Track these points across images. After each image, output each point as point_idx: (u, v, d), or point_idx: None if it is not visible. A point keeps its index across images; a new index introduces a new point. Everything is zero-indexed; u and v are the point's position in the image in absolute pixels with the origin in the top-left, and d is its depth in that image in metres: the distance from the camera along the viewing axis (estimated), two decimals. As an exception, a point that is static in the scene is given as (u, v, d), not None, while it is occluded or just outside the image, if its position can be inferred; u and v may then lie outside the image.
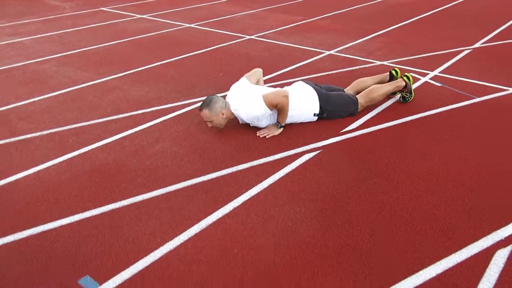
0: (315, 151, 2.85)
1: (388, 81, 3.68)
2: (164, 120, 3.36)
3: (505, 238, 2.00)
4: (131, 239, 2.08)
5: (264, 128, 3.11)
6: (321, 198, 2.35)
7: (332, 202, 2.31)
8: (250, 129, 3.17)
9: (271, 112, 3.02)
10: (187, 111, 3.53)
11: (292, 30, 5.99)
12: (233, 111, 3.04)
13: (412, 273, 1.81)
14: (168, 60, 4.85)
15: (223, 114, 2.99)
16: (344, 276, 1.81)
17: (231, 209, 2.27)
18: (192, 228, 2.13)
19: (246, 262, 1.90)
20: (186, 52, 5.12)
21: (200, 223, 2.17)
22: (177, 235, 2.09)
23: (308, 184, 2.48)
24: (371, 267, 1.85)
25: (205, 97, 3.03)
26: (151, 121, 3.35)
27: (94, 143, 3.03)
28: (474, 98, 3.74)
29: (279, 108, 2.99)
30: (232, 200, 2.34)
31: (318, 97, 3.18)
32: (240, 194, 2.39)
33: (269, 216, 2.20)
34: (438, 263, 1.86)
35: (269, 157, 2.79)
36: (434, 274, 1.80)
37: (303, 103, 3.15)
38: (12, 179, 2.62)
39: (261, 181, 2.51)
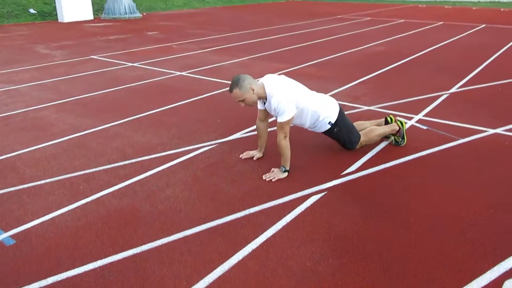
0: (320, 193, 3.01)
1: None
2: (171, 166, 3.48)
3: (510, 268, 2.17)
4: (157, 282, 2.15)
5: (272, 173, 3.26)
6: (333, 238, 2.49)
7: (344, 241, 2.45)
8: (256, 174, 3.32)
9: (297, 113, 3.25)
10: (192, 156, 3.66)
11: (281, 77, 6.28)
12: (268, 92, 3.16)
13: (430, 306, 1.95)
14: (165, 107, 5.01)
15: (253, 90, 3.11)
16: (367, 310, 1.93)
17: (250, 251, 2.38)
18: (215, 271, 2.22)
19: (273, 301, 2.00)
20: (181, 99, 5.30)
21: (222, 265, 2.27)
22: (202, 278, 2.17)
23: (319, 225, 2.62)
24: (391, 302, 1.98)
25: (232, 78, 3.17)
26: (158, 167, 3.46)
27: (106, 189, 3.11)
28: (458, 139, 4.01)
29: (278, 144, 3.20)
30: (249, 242, 2.45)
31: (339, 110, 3.47)
32: (257, 236, 2.50)
33: (287, 257, 2.32)
34: (451, 296, 2.00)
35: (277, 200, 2.93)
36: (450, 306, 1.94)
37: (327, 108, 3.42)
38: (28, 226, 2.66)
39: (274, 223, 2.63)
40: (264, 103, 3.31)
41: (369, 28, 11.94)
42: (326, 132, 3.54)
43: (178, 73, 6.73)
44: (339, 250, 2.38)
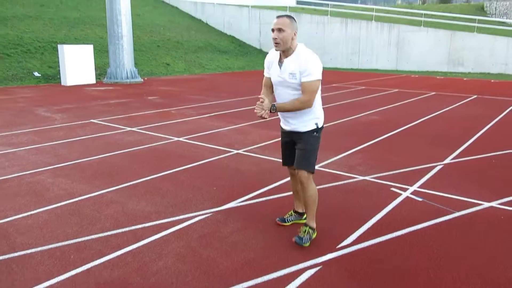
0: (315, 267, 2.96)
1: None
2: (165, 236, 3.44)
3: None
4: None
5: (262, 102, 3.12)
6: (328, 316, 2.42)
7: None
8: (250, 246, 3.28)
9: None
10: (186, 226, 3.63)
11: (277, 145, 6.36)
12: (298, 49, 3.10)
13: None
14: (161, 174, 5.04)
15: (295, 34, 3.06)
16: None
17: (242, 329, 2.31)
18: None
19: None
20: (178, 166, 5.34)
21: None
22: None
23: (314, 302, 2.55)
24: None
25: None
26: (151, 236, 3.43)
27: (97, 259, 3.06)
28: (454, 212, 4.01)
29: (297, 102, 3.11)
30: (242, 319, 2.38)
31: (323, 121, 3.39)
32: (250, 313, 2.43)
33: (281, 336, 2.24)
34: None
35: (271, 274, 2.88)
36: None
37: (321, 111, 3.34)
38: (15, 299, 2.59)
39: (268, 299, 2.57)
40: (280, 65, 3.17)
41: (364, 97, 12.27)
42: (305, 134, 3.26)
43: (176, 138, 6.83)
44: (334, 330, 2.31)
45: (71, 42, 18.20)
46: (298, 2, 35.71)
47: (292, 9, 27.98)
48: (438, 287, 2.74)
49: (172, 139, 6.80)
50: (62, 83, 14.74)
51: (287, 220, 3.65)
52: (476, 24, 21.77)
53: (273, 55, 3.29)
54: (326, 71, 21.41)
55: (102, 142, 6.54)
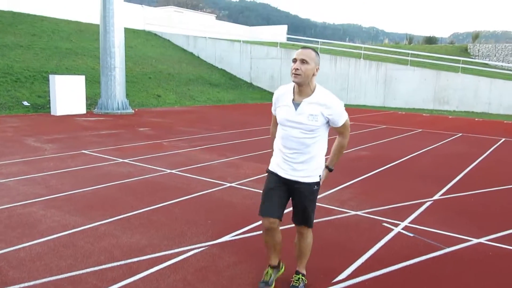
0: (311, 303, 2.97)
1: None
2: (160, 269, 3.43)
3: None
4: None
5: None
6: None
7: None
8: (247, 279, 3.28)
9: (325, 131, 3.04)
10: (182, 259, 3.63)
11: (269, 179, 6.43)
12: (318, 90, 2.92)
13: None
14: (155, 206, 5.04)
15: (317, 70, 2.88)
16: None
17: None
18: None
19: None
20: (171, 198, 5.34)
21: None
22: None
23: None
24: None
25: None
26: (146, 270, 3.42)
27: (92, 293, 3.03)
28: (444, 248, 4.08)
29: (342, 147, 3.14)
30: None
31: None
32: None
33: None
34: None
35: None
36: None
37: (323, 158, 3.12)
38: (8, 333, 2.55)
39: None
40: (295, 105, 2.92)
41: (353, 133, 12.45)
42: (308, 186, 3.05)
43: (168, 170, 6.85)
44: None
45: (62, 72, 18.31)
46: (288, 39, 36.57)
47: (282, 45, 28.59)
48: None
49: (165, 171, 6.82)
50: (52, 113, 14.72)
51: (270, 282, 3.17)
52: (460, 65, 22.47)
53: (282, 92, 3.04)
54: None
55: (94, 174, 6.53)
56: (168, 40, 30.99)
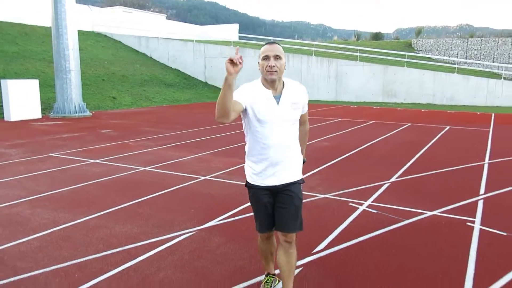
0: (298, 268, 3.42)
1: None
2: (158, 252, 3.77)
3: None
4: None
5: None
6: (317, 305, 2.88)
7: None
8: (238, 255, 3.68)
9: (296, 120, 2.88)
10: (175, 243, 3.98)
11: (241, 171, 6.84)
12: (288, 81, 2.86)
13: None
14: (138, 200, 5.32)
15: (284, 68, 2.78)
16: None
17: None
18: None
19: None
20: (152, 193, 5.64)
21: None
22: None
23: (303, 295, 3.00)
24: None
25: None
26: (145, 253, 3.74)
27: (100, 275, 3.33)
28: (404, 220, 4.65)
29: (306, 135, 3.13)
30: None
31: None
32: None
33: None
34: None
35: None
36: None
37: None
38: (32, 312, 2.82)
39: (264, 296, 2.98)
40: (277, 99, 2.77)
41: (312, 126, 13.09)
42: (295, 185, 2.85)
43: (142, 168, 7.10)
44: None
45: (11, 77, 17.81)
46: (240, 38, 37.02)
47: (236, 43, 29.01)
48: (397, 277, 3.29)
49: (138, 168, 7.07)
50: (6, 119, 14.39)
51: None
52: (406, 60, 23.78)
53: (252, 88, 2.82)
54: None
55: (69, 174, 6.68)
56: (119, 42, 30.60)
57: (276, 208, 2.85)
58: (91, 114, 16.06)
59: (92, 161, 7.68)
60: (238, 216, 4.72)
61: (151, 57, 29.57)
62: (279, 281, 3.12)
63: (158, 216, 4.72)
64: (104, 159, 7.85)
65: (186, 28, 38.36)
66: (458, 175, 6.80)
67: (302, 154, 3.06)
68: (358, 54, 24.93)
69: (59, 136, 10.82)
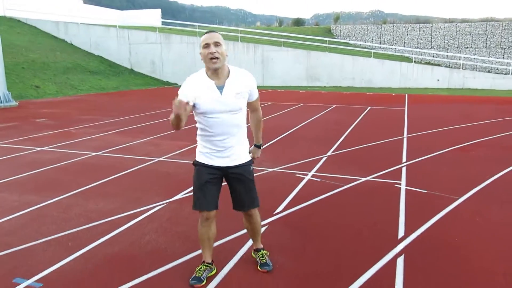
0: (263, 226, 4.06)
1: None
2: (138, 221, 4.22)
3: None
4: (176, 291, 2.93)
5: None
6: (286, 256, 3.54)
7: (292, 256, 3.52)
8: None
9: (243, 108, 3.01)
10: (151, 213, 4.44)
11: (190, 152, 7.31)
12: (233, 68, 2.97)
13: (362, 274, 3.10)
14: (101, 181, 5.64)
15: (226, 55, 2.89)
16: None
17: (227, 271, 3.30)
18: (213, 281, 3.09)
19: None
20: (112, 174, 5.96)
21: (216, 278, 3.14)
22: None
23: (273, 247, 3.65)
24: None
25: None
26: (126, 223, 4.17)
27: (92, 243, 3.73)
28: (343, 185, 5.45)
29: (260, 121, 3.28)
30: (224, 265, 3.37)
31: None
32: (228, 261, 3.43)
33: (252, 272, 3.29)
34: (372, 267, 3.19)
35: (233, 234, 3.89)
36: None
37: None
38: (45, 273, 3.18)
39: (232, 258, 3.59)
40: (220, 89, 2.88)
41: (245, 110, 13.73)
42: (246, 166, 3.12)
43: (93, 153, 7.32)
44: (289, 262, 3.44)
45: None
46: (163, 23, 36.56)
47: (160, 29, 28.77)
48: (345, 227, 4.05)
49: (90, 154, 7.28)
50: None
51: (202, 278, 3.09)
52: (327, 45, 25.19)
53: (195, 80, 2.93)
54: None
55: (21, 162, 6.74)
56: (35, 27, 29.04)
57: (231, 189, 3.14)
58: (17, 103, 15.44)
59: (39, 148, 7.72)
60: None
61: (71, 44, 28.43)
62: (214, 271, 3.22)
63: (126, 194, 5.11)
64: (51, 146, 7.92)
65: (106, 12, 37.12)
66: (383, 148, 7.82)
67: (259, 140, 3.36)
68: (283, 39, 25.94)
69: (-10, 126, 10.48)
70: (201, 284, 3.06)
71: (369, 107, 14.29)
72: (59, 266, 3.32)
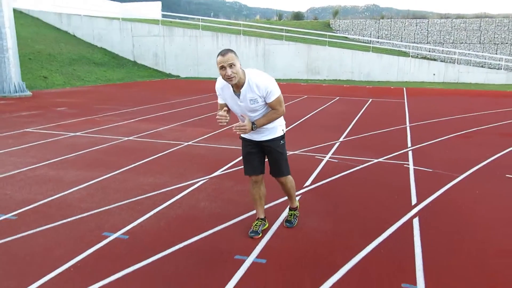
0: (297, 196, 4.78)
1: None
2: (188, 192, 4.91)
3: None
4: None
5: (244, 124, 3.42)
6: (322, 220, 4.27)
7: (325, 217, 4.25)
8: (231, 192, 4.95)
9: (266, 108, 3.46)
10: (198, 186, 5.13)
11: (214, 137, 8.00)
12: (249, 76, 3.31)
13: (387, 228, 3.84)
14: (143, 161, 6.31)
15: (240, 66, 3.24)
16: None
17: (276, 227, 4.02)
18: (259, 244, 3.80)
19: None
20: (150, 156, 6.63)
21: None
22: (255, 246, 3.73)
23: (311, 213, 4.37)
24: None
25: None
26: (179, 194, 4.86)
27: (155, 208, 4.42)
28: (358, 165, 6.18)
29: (275, 115, 3.49)
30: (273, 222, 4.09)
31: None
32: (274, 221, 4.15)
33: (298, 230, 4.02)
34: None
35: (274, 202, 4.60)
36: (396, 227, 3.86)
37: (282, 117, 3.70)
38: (130, 227, 3.88)
39: (268, 230, 4.31)
40: (237, 95, 3.38)
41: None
42: (276, 141, 3.64)
43: (126, 138, 7.99)
44: (320, 223, 4.16)
45: None
46: (163, 16, 36.98)
47: (163, 22, 29.27)
48: (367, 198, 4.79)
49: (123, 138, 7.95)
50: None
51: (259, 232, 3.77)
52: (327, 39, 25.87)
53: (222, 84, 3.44)
54: (202, 81, 23.03)
55: (61, 145, 7.38)
56: (37, 18, 29.44)
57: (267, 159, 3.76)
58: (31, 94, 16.00)
59: (72, 134, 8.37)
60: (234, 168, 5.96)
61: (74, 35, 28.87)
62: (266, 225, 3.92)
63: (170, 171, 5.80)
64: (84, 132, 8.56)
65: (107, 5, 37.46)
66: (389, 135, 8.56)
67: (258, 121, 3.48)
68: (284, 33, 26.58)
69: (17, 114, 11.08)
70: (258, 236, 3.76)
71: (370, 99, 15.03)
72: (136, 223, 4.02)
